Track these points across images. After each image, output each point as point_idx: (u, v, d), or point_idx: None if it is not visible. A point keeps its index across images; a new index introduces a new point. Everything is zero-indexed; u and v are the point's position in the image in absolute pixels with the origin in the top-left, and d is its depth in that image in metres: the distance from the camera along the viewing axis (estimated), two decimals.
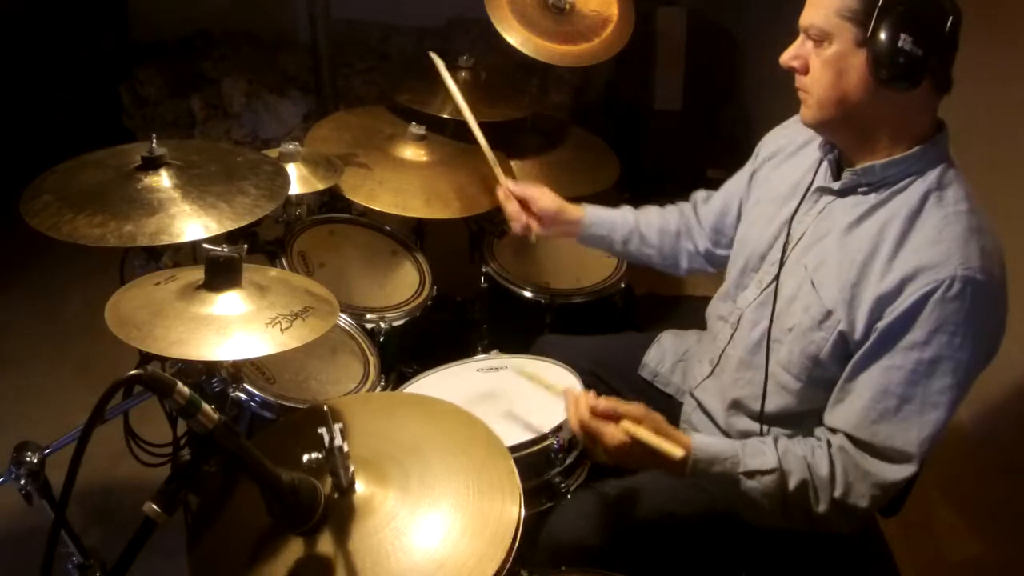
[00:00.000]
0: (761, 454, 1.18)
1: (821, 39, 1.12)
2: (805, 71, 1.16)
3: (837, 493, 1.15)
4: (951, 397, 1.10)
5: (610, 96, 3.85)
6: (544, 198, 1.63)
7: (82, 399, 1.47)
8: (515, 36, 1.99)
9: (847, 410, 1.16)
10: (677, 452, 1.12)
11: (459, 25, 3.77)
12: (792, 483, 1.16)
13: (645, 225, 1.63)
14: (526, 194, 1.64)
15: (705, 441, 1.20)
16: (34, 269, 2.93)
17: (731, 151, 3.52)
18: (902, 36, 1.04)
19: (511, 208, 1.65)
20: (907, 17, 1.05)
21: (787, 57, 1.18)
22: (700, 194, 1.64)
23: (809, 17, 1.13)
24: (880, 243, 1.14)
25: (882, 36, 1.05)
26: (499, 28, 1.99)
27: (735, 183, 1.53)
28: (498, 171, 1.69)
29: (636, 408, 1.18)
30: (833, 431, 1.19)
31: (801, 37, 1.16)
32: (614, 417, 1.18)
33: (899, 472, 1.13)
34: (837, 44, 1.10)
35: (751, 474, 1.17)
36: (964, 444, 1.75)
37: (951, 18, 1.06)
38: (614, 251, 1.67)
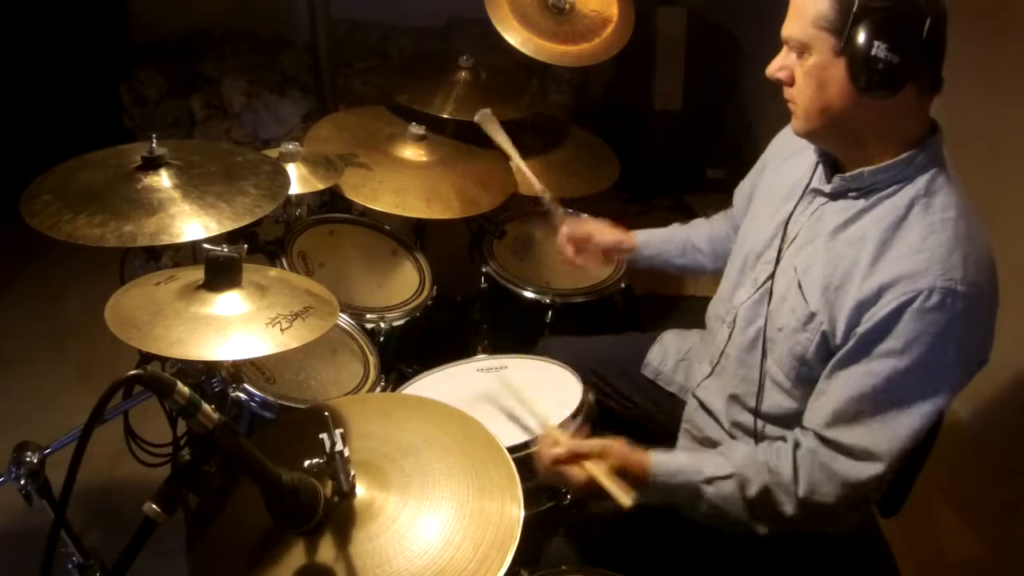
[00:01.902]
0: (717, 462, 1.21)
1: (801, 50, 1.12)
2: (791, 82, 1.16)
3: (801, 493, 1.16)
4: (927, 406, 1.10)
5: (610, 96, 3.85)
6: (601, 233, 1.70)
7: (82, 399, 1.47)
8: (515, 36, 1.99)
9: (821, 409, 1.17)
10: (626, 501, 1.13)
11: (459, 25, 3.78)
12: (754, 487, 1.18)
13: (695, 236, 1.67)
14: (586, 232, 1.70)
15: (664, 458, 1.23)
16: (34, 269, 2.94)
17: (731, 151, 3.52)
18: (875, 43, 1.03)
19: (565, 247, 1.72)
20: (880, 24, 1.04)
21: (772, 69, 1.17)
22: (739, 192, 1.63)
23: (789, 29, 1.13)
24: (863, 249, 1.13)
25: (856, 45, 1.05)
26: (499, 28, 1.99)
27: (751, 175, 1.53)
28: (559, 213, 1.79)
29: (594, 444, 1.21)
30: (804, 429, 1.19)
31: (785, 48, 1.16)
32: (578, 459, 1.21)
33: (866, 470, 1.12)
34: (816, 55, 1.10)
35: (710, 480, 1.19)
36: (964, 444, 1.75)
37: (929, 20, 1.04)
38: (671, 266, 1.71)
